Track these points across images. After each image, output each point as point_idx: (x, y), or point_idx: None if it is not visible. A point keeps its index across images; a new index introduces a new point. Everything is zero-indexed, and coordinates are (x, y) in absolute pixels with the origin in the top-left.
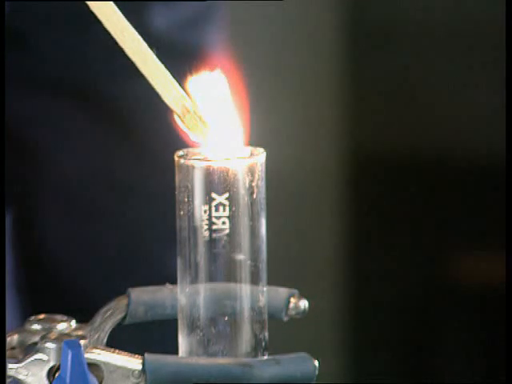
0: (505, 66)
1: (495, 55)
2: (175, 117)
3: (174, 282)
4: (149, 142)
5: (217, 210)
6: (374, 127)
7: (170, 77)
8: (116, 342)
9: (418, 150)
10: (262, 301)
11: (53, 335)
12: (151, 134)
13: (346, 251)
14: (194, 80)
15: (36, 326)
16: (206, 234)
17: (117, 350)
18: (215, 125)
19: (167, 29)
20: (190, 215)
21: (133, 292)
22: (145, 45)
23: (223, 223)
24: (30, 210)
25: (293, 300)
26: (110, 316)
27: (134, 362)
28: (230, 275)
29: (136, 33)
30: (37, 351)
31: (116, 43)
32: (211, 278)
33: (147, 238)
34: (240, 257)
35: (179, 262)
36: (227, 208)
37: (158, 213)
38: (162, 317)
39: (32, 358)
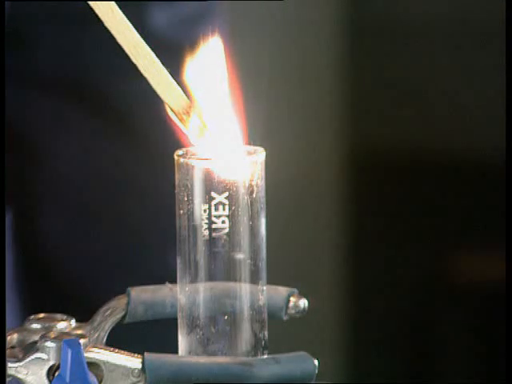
0: (505, 65)
1: (495, 55)
2: (174, 117)
3: (173, 281)
4: (149, 142)
5: (216, 209)
6: (374, 127)
7: (170, 78)
8: (116, 341)
9: (417, 150)
10: (262, 300)
11: (52, 334)
12: (151, 134)
13: (345, 251)
14: (193, 79)
15: (36, 325)
16: (206, 233)
17: (116, 349)
18: (214, 125)
19: (167, 28)
20: (190, 214)
21: (132, 291)
22: (145, 45)
23: (223, 222)
24: (30, 210)
25: (292, 299)
26: (109, 315)
27: (133, 361)
28: (230, 274)
29: (137, 34)
30: (36, 350)
31: (116, 43)
32: (211, 277)
33: (147, 238)
34: (240, 256)
35: (179, 261)
36: (227, 207)
37: (158, 212)
38: (162, 316)
39: (32, 357)
